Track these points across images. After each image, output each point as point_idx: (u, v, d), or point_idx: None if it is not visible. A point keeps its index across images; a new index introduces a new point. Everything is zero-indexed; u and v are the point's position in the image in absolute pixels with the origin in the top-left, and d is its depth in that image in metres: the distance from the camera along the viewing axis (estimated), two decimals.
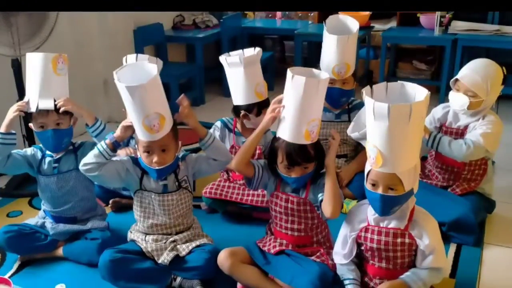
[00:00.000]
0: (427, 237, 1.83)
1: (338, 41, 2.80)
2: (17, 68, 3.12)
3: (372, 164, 1.77)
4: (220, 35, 4.95)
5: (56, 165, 2.42)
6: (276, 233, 2.16)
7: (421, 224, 1.86)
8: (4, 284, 1.69)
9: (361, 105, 2.58)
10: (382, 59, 4.65)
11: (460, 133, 2.60)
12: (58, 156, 2.43)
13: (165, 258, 2.17)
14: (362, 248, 1.95)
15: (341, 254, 1.98)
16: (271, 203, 2.14)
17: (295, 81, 1.90)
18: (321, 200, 1.99)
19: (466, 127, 2.58)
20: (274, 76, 5.22)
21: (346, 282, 1.95)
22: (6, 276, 1.96)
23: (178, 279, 2.22)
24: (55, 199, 2.43)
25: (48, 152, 2.43)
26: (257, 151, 2.74)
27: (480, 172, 2.63)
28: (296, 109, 1.92)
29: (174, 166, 2.18)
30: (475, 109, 2.51)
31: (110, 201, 2.87)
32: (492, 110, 2.65)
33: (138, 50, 4.49)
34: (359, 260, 2.01)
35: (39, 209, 2.84)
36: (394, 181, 1.75)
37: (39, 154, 2.44)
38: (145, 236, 2.24)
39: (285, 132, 1.96)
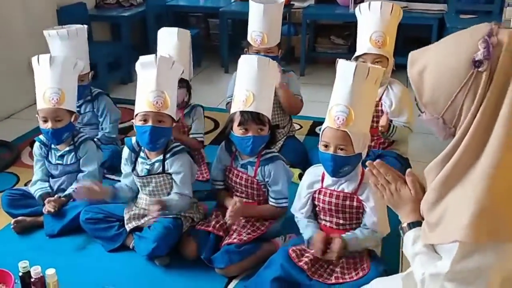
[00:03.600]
0: (373, 200, 2.04)
1: (262, 9, 3.00)
2: None
3: (340, 125, 1.95)
4: (145, 13, 4.95)
5: (60, 161, 2.60)
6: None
7: (369, 188, 2.04)
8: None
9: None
10: (303, 35, 4.90)
11: (376, 105, 2.87)
12: (61, 152, 2.60)
13: (129, 226, 2.35)
14: (317, 209, 2.15)
15: (298, 210, 2.19)
16: (227, 178, 2.42)
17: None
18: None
19: (380, 98, 2.84)
20: (201, 53, 5.32)
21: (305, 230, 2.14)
22: None
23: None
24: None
25: (53, 146, 2.61)
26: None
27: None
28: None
29: None
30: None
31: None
32: None
33: None
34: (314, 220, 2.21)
35: None
36: (344, 142, 1.96)
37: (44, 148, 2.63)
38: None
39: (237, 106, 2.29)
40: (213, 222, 2.33)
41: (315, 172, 2.19)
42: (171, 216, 2.32)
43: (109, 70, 4.50)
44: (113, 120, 3.16)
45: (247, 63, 2.33)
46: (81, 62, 2.70)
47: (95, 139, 2.88)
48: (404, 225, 1.50)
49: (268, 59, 2.37)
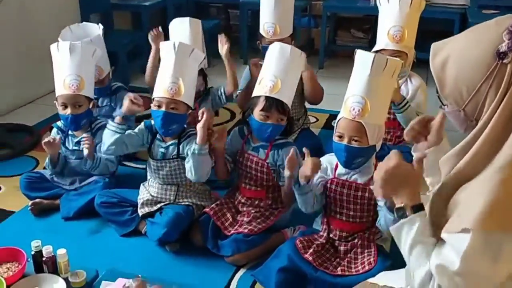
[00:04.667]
0: None
1: (276, 1, 3.00)
2: None
3: (356, 116, 1.95)
4: (166, 3, 4.99)
5: (76, 147, 2.63)
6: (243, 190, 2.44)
7: None
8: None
9: None
10: (322, 27, 4.88)
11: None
12: (78, 138, 2.65)
13: (141, 211, 2.40)
14: (328, 199, 2.16)
15: None
16: (238, 162, 2.42)
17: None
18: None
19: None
20: None
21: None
22: None
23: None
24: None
25: (70, 132, 2.66)
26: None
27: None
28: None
29: None
30: (402, 69, 2.72)
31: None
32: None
33: (84, 18, 4.48)
34: (325, 212, 2.20)
35: None
36: (359, 133, 1.97)
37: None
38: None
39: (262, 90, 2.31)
40: (218, 212, 2.36)
41: (329, 159, 2.20)
42: (183, 203, 2.36)
43: (129, 58, 4.57)
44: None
45: (279, 50, 2.34)
46: (100, 50, 2.74)
47: None
48: (405, 206, 1.34)
49: (300, 51, 2.39)
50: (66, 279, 1.55)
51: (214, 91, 3.00)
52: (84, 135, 2.59)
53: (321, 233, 2.19)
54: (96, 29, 3.03)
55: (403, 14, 2.74)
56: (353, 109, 1.97)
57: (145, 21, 4.81)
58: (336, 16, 5.28)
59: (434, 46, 1.32)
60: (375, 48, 2.78)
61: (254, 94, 2.36)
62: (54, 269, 1.59)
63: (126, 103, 2.45)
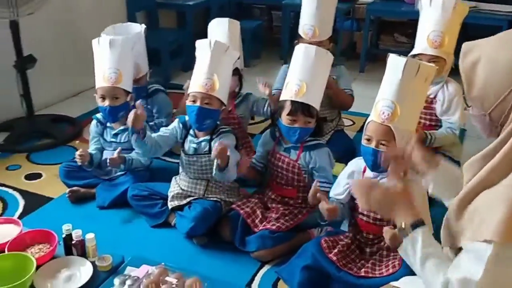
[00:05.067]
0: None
1: (316, 3, 3.01)
2: (15, 29, 3.27)
3: (385, 120, 1.94)
4: (210, 3, 5.08)
5: (114, 139, 2.74)
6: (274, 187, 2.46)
7: (411, 186, 2.02)
8: (14, 224, 1.88)
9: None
10: (365, 31, 4.84)
11: (429, 102, 2.81)
12: (116, 131, 2.75)
13: (171, 204, 2.46)
14: (356, 202, 2.10)
15: (334, 197, 2.19)
16: (269, 162, 2.44)
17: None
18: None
19: (435, 96, 2.78)
20: (262, 45, 5.39)
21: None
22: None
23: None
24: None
25: (108, 124, 2.78)
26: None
27: None
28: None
29: None
30: (439, 75, 2.65)
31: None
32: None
33: (130, 16, 4.63)
34: (351, 214, 2.20)
35: (39, 163, 3.08)
36: (387, 137, 1.95)
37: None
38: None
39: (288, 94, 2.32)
40: (247, 208, 2.38)
41: (357, 163, 2.19)
42: (212, 199, 2.40)
43: (171, 56, 4.67)
44: (166, 114, 3.26)
45: (304, 53, 2.34)
46: (139, 42, 2.83)
47: (150, 124, 3.01)
48: (405, 225, 1.39)
49: (326, 50, 2.39)
50: (93, 263, 1.61)
51: (257, 102, 3.00)
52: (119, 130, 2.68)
53: (348, 234, 2.18)
54: (138, 29, 3.12)
55: (445, 19, 2.69)
56: (383, 113, 1.96)
57: (189, 20, 4.91)
58: (380, 19, 5.22)
59: (465, 45, 1.30)
60: (413, 52, 2.75)
61: (281, 98, 2.38)
62: (83, 253, 1.65)
63: (130, 117, 2.39)
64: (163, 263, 1.58)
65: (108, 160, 2.57)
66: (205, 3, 5.06)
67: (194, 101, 2.36)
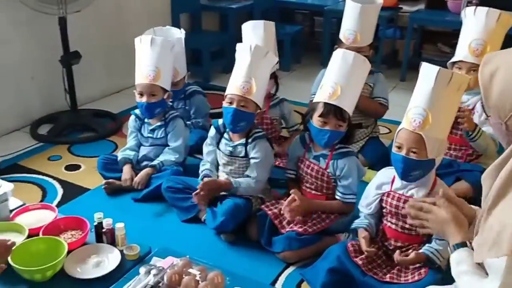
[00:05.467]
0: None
1: (359, 9, 3.00)
2: (63, 26, 3.41)
3: (416, 128, 1.92)
4: (253, 6, 5.13)
5: (150, 135, 2.83)
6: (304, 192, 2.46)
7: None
8: (50, 210, 1.97)
9: None
10: (407, 39, 4.78)
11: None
12: (153, 126, 2.84)
13: None
14: (384, 210, 2.14)
15: (364, 208, 2.19)
16: (299, 168, 2.46)
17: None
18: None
19: (473, 107, 2.73)
20: (302, 50, 5.41)
21: (359, 226, 2.15)
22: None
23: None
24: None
25: (146, 120, 2.86)
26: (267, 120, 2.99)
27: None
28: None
29: None
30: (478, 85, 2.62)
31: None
32: None
33: (174, 17, 4.74)
34: (379, 220, 2.19)
35: (78, 155, 3.20)
36: (418, 145, 1.93)
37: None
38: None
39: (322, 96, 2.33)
40: (275, 210, 2.39)
41: (386, 173, 2.17)
42: (243, 196, 2.44)
43: (212, 58, 4.75)
44: (204, 115, 3.33)
45: (342, 57, 2.34)
46: (178, 46, 2.91)
47: (187, 122, 3.08)
48: (450, 246, 1.49)
49: (364, 58, 2.38)
50: (121, 251, 1.66)
51: (290, 114, 3.07)
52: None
53: (375, 240, 2.16)
54: (178, 34, 3.19)
55: (488, 28, 2.64)
56: (414, 121, 1.94)
57: (231, 23, 4.97)
58: (423, 28, 5.14)
59: (486, 56, 1.32)
60: (454, 59, 2.71)
61: (315, 100, 2.38)
62: (112, 241, 1.71)
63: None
64: (188, 256, 1.62)
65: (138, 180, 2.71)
66: (248, 7, 5.12)
67: (230, 103, 2.41)
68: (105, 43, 4.21)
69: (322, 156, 2.40)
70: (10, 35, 3.45)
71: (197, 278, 1.48)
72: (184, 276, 1.49)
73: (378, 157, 2.99)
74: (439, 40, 5.00)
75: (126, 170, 2.79)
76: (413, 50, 4.98)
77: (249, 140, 2.46)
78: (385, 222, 2.16)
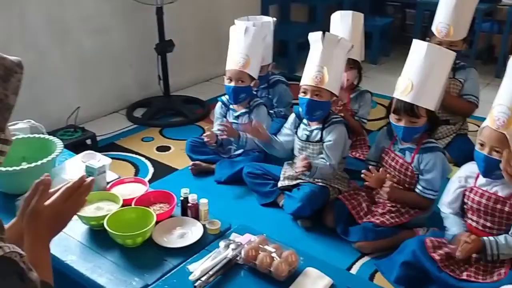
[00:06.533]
0: None
1: (456, 1, 2.90)
2: (160, 15, 3.63)
3: (500, 127, 1.87)
4: None
5: (235, 121, 2.93)
6: None
7: None
8: (142, 184, 2.12)
9: None
10: (505, 34, 4.53)
11: None
12: (238, 113, 2.95)
13: (281, 183, 2.59)
14: (465, 206, 2.10)
15: (447, 205, 2.16)
16: (382, 160, 2.47)
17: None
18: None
19: None
20: (391, 43, 5.30)
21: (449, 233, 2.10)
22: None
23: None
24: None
25: (231, 107, 2.97)
26: None
27: None
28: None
29: None
30: None
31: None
32: None
33: (264, 8, 4.84)
34: (461, 217, 2.14)
35: (169, 138, 3.39)
36: (500, 144, 1.88)
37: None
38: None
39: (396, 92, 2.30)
40: (353, 200, 2.42)
41: (470, 168, 2.12)
42: (320, 183, 2.48)
43: (298, 49, 4.79)
44: (286, 104, 3.40)
45: (415, 50, 2.27)
46: (268, 37, 2.99)
47: (269, 111, 3.16)
48: None
49: (439, 48, 2.30)
50: (204, 225, 1.77)
51: (364, 103, 3.03)
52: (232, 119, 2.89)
53: None
54: (270, 22, 3.28)
55: None
56: (498, 119, 1.88)
57: (320, 15, 4.98)
58: None
59: None
60: None
61: (393, 95, 2.34)
62: (196, 215, 1.82)
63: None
64: (265, 234, 1.70)
65: (224, 131, 2.77)
66: None
67: (304, 93, 2.45)
68: (197, 33, 4.40)
69: (408, 149, 2.37)
70: (112, 25, 3.73)
71: (273, 254, 1.55)
72: (260, 252, 1.56)
73: (465, 154, 2.86)
74: None
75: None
76: (511, 46, 4.71)
77: (326, 125, 2.50)
78: (465, 219, 2.11)
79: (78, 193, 1.25)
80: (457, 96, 3.01)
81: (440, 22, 3.00)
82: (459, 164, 2.81)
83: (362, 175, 2.32)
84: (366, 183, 2.35)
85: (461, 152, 2.93)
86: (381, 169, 2.36)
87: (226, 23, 3.26)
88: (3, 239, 0.97)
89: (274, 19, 3.31)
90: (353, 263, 2.24)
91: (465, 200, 2.09)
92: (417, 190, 2.35)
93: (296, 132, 2.62)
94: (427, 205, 2.36)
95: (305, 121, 2.59)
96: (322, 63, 2.41)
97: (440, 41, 2.97)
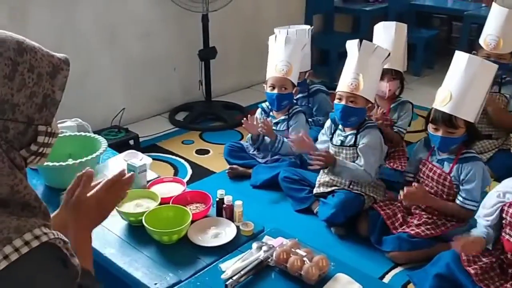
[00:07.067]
0: None
1: (507, 13, 2.86)
2: (206, 22, 3.72)
3: None
4: (388, 9, 5.08)
5: (274, 127, 2.97)
6: None
7: None
8: (180, 184, 2.19)
9: None
10: None
11: None
12: (277, 120, 2.99)
13: (316, 190, 2.62)
14: (504, 222, 2.05)
15: (483, 219, 2.11)
16: (419, 171, 2.45)
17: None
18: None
19: None
20: (436, 55, 5.22)
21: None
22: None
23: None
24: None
25: (271, 113, 3.03)
26: None
27: None
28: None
29: None
30: None
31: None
32: None
33: (308, 18, 4.87)
34: (498, 232, 2.09)
35: (208, 142, 3.46)
36: None
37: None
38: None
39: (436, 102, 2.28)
40: (388, 210, 2.40)
41: (510, 184, 2.08)
42: (355, 191, 2.48)
43: (339, 58, 4.78)
44: (325, 113, 3.36)
45: (456, 61, 2.27)
46: (308, 45, 3.03)
47: (308, 119, 3.18)
48: None
49: (481, 59, 2.28)
50: (238, 227, 1.81)
51: (404, 114, 2.99)
52: (266, 119, 2.92)
53: (492, 252, 2.08)
54: (306, 31, 3.28)
55: None
56: None
57: (364, 25, 4.96)
58: None
59: None
60: None
61: (433, 105, 2.32)
62: (231, 216, 1.86)
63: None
64: (297, 238, 1.72)
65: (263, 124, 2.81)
66: (383, 9, 5.08)
67: (340, 99, 2.47)
68: (240, 40, 4.48)
69: (447, 160, 2.35)
70: (158, 30, 3.85)
71: (304, 258, 1.57)
72: (291, 255, 1.59)
73: (507, 170, 2.82)
74: None
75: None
76: None
77: (360, 130, 2.51)
78: (503, 234, 2.07)
79: (119, 186, 1.31)
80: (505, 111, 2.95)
81: (489, 34, 2.94)
82: (500, 179, 2.75)
83: (400, 197, 2.31)
84: (404, 203, 2.33)
85: (503, 167, 2.86)
86: (417, 184, 2.32)
87: (269, 32, 3.34)
88: (48, 225, 1.02)
89: (310, 27, 3.34)
90: (386, 273, 2.23)
91: (503, 215, 2.04)
92: (457, 201, 2.32)
93: (331, 139, 2.63)
94: (466, 216, 2.32)
95: (340, 127, 2.60)
96: (358, 70, 2.43)
97: (488, 53, 2.92)
